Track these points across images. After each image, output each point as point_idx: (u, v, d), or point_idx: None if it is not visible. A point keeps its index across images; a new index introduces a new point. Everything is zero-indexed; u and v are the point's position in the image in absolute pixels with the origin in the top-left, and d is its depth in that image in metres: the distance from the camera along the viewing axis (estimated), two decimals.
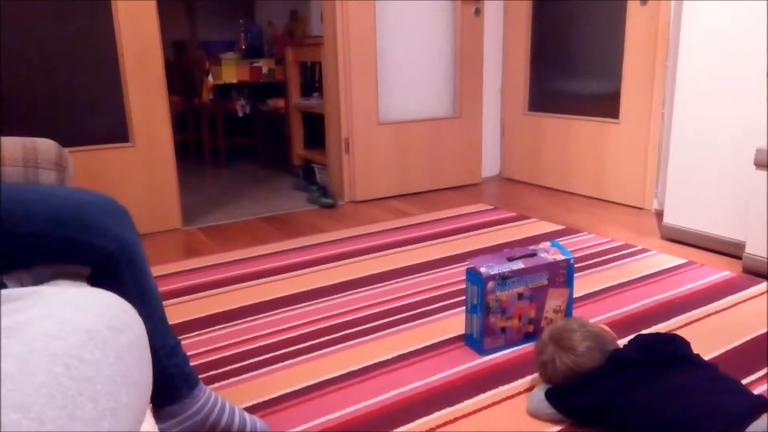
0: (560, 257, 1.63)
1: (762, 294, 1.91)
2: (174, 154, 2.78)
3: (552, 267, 1.61)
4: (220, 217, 3.02)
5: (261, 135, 4.62)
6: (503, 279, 1.54)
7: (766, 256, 2.05)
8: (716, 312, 1.79)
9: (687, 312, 1.79)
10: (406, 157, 3.35)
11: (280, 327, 1.76)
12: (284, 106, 4.20)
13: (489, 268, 1.54)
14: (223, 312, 1.88)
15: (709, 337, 1.62)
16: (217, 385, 1.45)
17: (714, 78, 2.25)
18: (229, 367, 1.54)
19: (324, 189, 3.32)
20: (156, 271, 2.19)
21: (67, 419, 0.46)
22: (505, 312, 1.57)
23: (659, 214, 2.72)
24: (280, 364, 1.55)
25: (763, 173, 2.02)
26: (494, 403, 1.36)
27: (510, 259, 1.59)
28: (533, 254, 1.63)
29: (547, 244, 1.69)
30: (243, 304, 1.93)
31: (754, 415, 1.03)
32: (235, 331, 1.74)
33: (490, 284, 1.53)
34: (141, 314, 0.71)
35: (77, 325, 0.53)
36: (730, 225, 2.26)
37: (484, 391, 1.41)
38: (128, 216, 1.02)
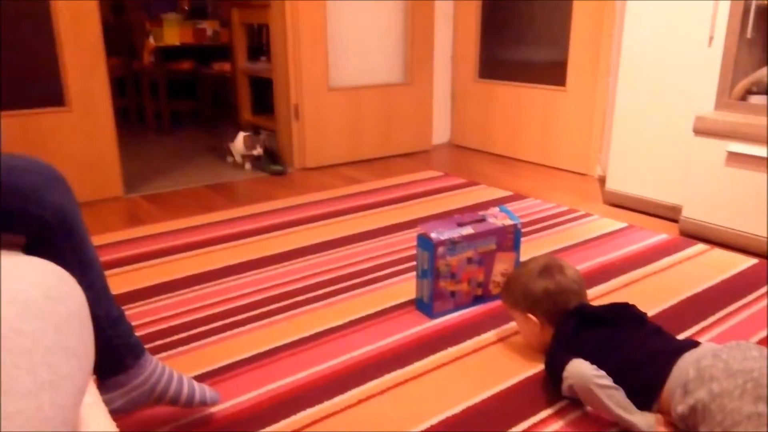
0: (508, 222, 1.66)
1: (697, 255, 2.00)
2: (114, 119, 2.67)
3: (500, 232, 1.64)
4: (165, 185, 2.93)
5: (206, 100, 4.48)
6: (453, 244, 1.56)
7: (701, 219, 2.15)
8: (655, 273, 1.87)
9: (628, 273, 1.86)
10: (357, 123, 3.32)
11: (229, 295, 1.74)
12: (230, 70, 4.07)
13: (439, 233, 1.56)
14: (169, 281, 1.83)
15: (649, 296, 1.69)
16: (164, 354, 1.43)
17: (658, 47, 2.31)
18: (176, 337, 1.51)
19: (273, 156, 3.26)
20: (97, 240, 2.12)
21: (2, 392, 0.44)
22: (455, 276, 1.60)
23: (602, 180, 2.80)
24: (230, 332, 1.53)
25: (701, 140, 2.10)
26: (443, 364, 1.39)
27: (460, 225, 1.61)
28: (482, 219, 1.65)
29: (495, 210, 1.72)
30: (189, 273, 1.89)
31: (684, 351, 1.13)
32: (181, 300, 1.71)
33: (441, 249, 1.55)
34: (81, 284, 0.68)
35: (13, 296, 0.51)
36: (669, 190, 2.34)
37: (433, 352, 1.43)
38: (66, 183, 0.98)
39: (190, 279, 1.85)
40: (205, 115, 4.50)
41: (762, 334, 1.49)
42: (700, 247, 2.08)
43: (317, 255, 2.03)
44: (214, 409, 1.22)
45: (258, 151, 3.09)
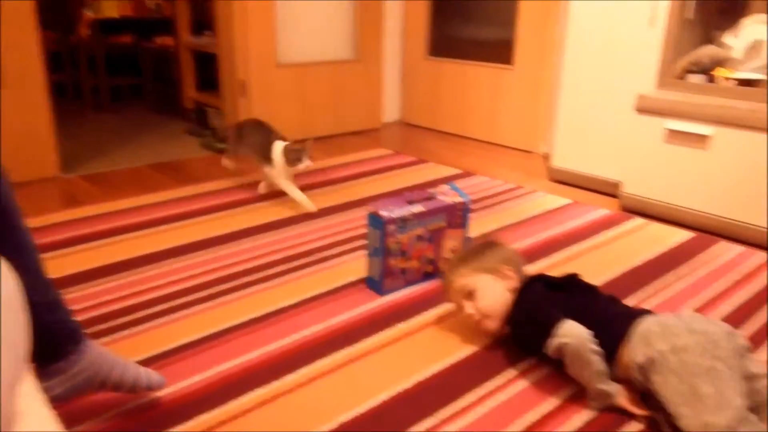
0: (458, 200, 1.67)
1: (637, 229, 2.07)
2: (49, 95, 2.54)
3: (450, 209, 1.65)
4: (105, 165, 2.82)
5: (148, 75, 4.32)
6: (403, 222, 1.57)
7: (640, 194, 2.22)
8: (597, 246, 1.93)
9: (571, 247, 1.91)
10: (306, 101, 3.26)
11: (174, 277, 1.70)
12: (173, 44, 3.93)
13: (389, 211, 1.56)
14: (111, 264, 1.77)
15: (593, 268, 1.74)
16: (106, 339, 1.38)
17: (602, 27, 2.35)
18: (119, 321, 1.47)
19: (219, 134, 3.18)
20: (33, 222, 2.03)
21: None
22: (405, 254, 1.60)
23: (547, 158, 2.86)
24: (176, 315, 1.50)
25: (641, 118, 2.17)
26: (394, 341, 1.40)
27: (410, 203, 1.61)
28: (432, 197, 1.66)
29: (445, 188, 1.73)
30: (132, 256, 1.83)
31: (639, 316, 1.19)
32: (124, 284, 1.65)
33: (391, 227, 1.55)
34: (16, 268, 0.65)
35: None
36: (611, 167, 2.41)
37: (384, 329, 1.44)
38: None
39: (133, 261, 1.79)
40: (146, 91, 4.34)
41: (697, 303, 1.57)
42: (639, 221, 2.15)
43: (266, 234, 2.00)
44: (159, 393, 1.20)
45: (306, 164, 2.16)
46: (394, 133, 3.55)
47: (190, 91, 3.78)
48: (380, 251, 1.57)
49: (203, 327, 1.44)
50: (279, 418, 1.15)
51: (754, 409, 1.04)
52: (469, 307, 1.35)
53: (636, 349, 1.14)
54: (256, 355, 1.34)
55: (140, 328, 1.44)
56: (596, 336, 1.18)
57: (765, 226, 1.93)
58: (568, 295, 1.30)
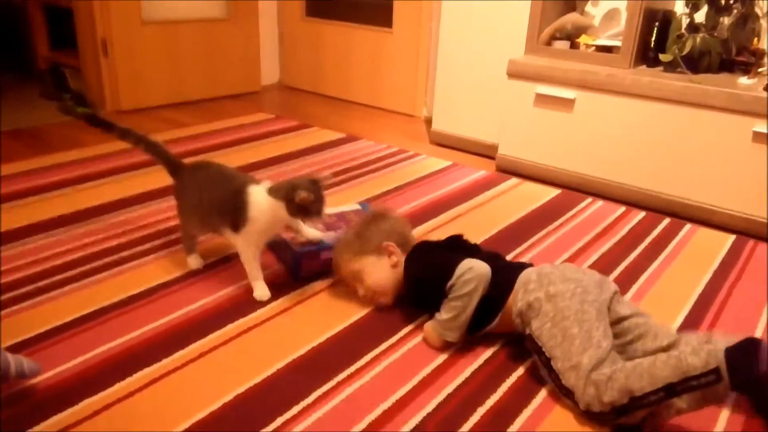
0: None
1: (511, 188, 2.20)
2: None
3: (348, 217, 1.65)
4: None
5: None
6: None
7: (514, 155, 2.35)
8: (477, 206, 2.02)
9: (453, 208, 1.99)
10: (177, 61, 3.07)
11: (41, 255, 1.56)
12: None
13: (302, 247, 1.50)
14: None
15: (474, 227, 1.82)
16: None
17: None
18: None
19: (80, 97, 2.91)
20: None
21: None
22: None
23: (428, 121, 2.92)
24: (45, 296, 1.38)
25: (514, 83, 2.27)
26: (285, 309, 1.39)
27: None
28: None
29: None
30: None
31: (524, 268, 1.28)
32: None
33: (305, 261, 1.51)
34: None
35: None
36: (487, 130, 2.52)
37: (275, 299, 1.42)
38: None
39: None
40: None
41: (567, 254, 1.70)
42: (514, 181, 2.28)
43: (141, 205, 1.88)
44: (35, 381, 1.11)
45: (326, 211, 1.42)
46: (273, 96, 3.45)
47: (42, 50, 3.41)
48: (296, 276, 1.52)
49: (77, 307, 1.34)
50: (172, 395, 1.10)
51: (629, 344, 1.16)
52: (360, 289, 1.40)
53: (517, 296, 1.22)
54: (139, 333, 1.27)
55: (6, 311, 1.31)
56: (489, 288, 1.24)
57: (623, 182, 2.12)
58: (454, 255, 1.35)
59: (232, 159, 2.32)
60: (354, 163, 2.37)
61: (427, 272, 1.31)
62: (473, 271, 1.23)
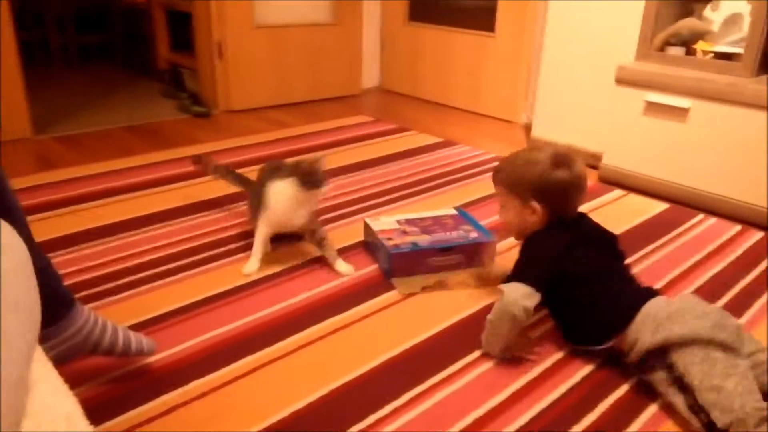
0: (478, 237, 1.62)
1: (615, 200, 2.12)
2: (18, 54, 2.44)
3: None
4: (77, 126, 2.73)
5: (117, 33, 4.17)
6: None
7: (619, 166, 2.26)
8: None
9: None
10: (284, 64, 3.20)
11: (158, 243, 1.68)
12: (145, 1, 3.79)
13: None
14: (92, 229, 1.74)
15: None
16: (95, 304, 1.36)
17: None
18: (105, 286, 1.45)
19: (195, 96, 3.11)
20: None
21: None
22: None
23: (528, 128, 2.87)
24: (162, 281, 1.48)
25: (622, 90, 2.19)
26: (383, 308, 1.41)
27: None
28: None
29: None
30: (113, 221, 1.80)
31: (650, 297, 1.21)
32: (108, 249, 1.63)
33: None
34: None
35: None
36: (591, 138, 2.44)
37: (374, 297, 1.45)
38: None
39: (115, 226, 1.76)
40: (116, 49, 4.19)
41: (674, 274, 1.61)
42: (618, 192, 2.19)
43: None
44: (151, 359, 1.20)
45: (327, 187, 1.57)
46: (373, 99, 3.52)
47: (163, 51, 3.67)
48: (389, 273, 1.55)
49: (192, 293, 1.44)
50: (271, 384, 1.16)
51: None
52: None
53: (643, 332, 1.14)
54: (244, 322, 1.34)
55: (128, 293, 1.43)
56: (611, 307, 1.20)
57: (739, 198, 1.98)
58: (598, 254, 1.30)
59: (331, 160, 2.38)
60: (451, 168, 2.37)
61: (524, 261, 1.30)
62: (506, 305, 1.19)
